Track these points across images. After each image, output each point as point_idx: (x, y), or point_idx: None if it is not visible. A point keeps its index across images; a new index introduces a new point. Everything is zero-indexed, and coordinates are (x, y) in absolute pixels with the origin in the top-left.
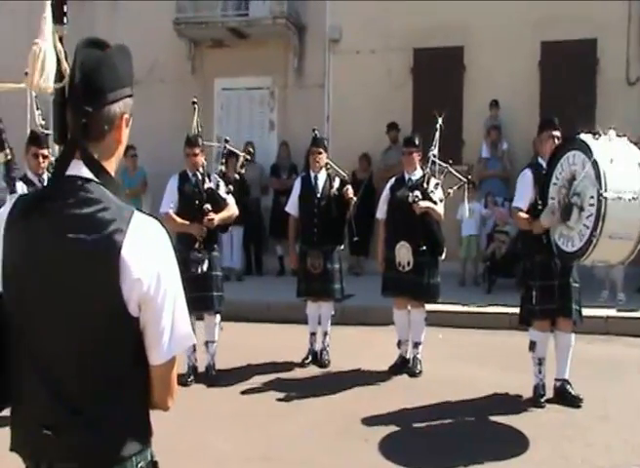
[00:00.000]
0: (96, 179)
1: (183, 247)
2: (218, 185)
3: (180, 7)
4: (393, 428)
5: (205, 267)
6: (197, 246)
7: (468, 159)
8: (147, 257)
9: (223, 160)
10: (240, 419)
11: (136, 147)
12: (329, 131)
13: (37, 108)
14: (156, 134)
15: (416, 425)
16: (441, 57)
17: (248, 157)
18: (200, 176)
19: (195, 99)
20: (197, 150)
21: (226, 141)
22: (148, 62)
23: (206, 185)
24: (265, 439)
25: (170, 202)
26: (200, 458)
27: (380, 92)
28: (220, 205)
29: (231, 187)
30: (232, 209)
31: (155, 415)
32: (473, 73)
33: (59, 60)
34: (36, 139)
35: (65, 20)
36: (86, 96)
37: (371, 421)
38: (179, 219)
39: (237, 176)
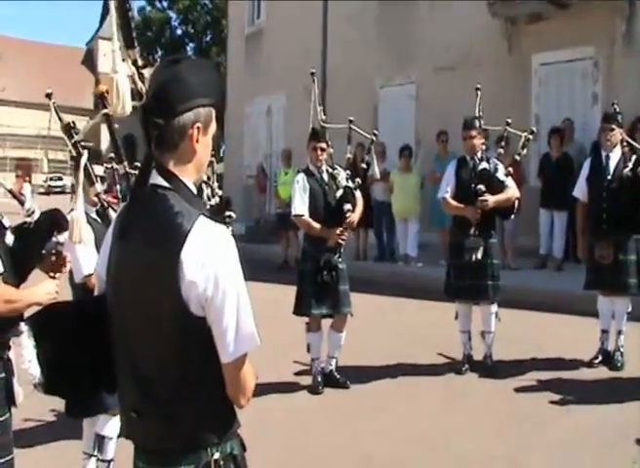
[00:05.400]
0: (168, 186)
1: (460, 233)
2: (496, 168)
3: None
4: None
5: (480, 255)
6: (472, 232)
7: None
8: (204, 261)
9: (503, 143)
10: (501, 416)
11: (447, 132)
12: None
13: (320, 104)
14: None
15: None
16: None
17: (530, 137)
18: (477, 160)
19: (479, 86)
20: (474, 133)
21: (507, 124)
22: (464, 48)
23: (480, 166)
24: (519, 441)
25: (447, 186)
26: (440, 452)
27: None
28: (495, 187)
29: (510, 170)
30: (510, 192)
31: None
32: None
33: (134, 82)
34: (316, 134)
35: (136, 44)
36: (156, 109)
37: None
38: (454, 203)
39: (517, 158)
